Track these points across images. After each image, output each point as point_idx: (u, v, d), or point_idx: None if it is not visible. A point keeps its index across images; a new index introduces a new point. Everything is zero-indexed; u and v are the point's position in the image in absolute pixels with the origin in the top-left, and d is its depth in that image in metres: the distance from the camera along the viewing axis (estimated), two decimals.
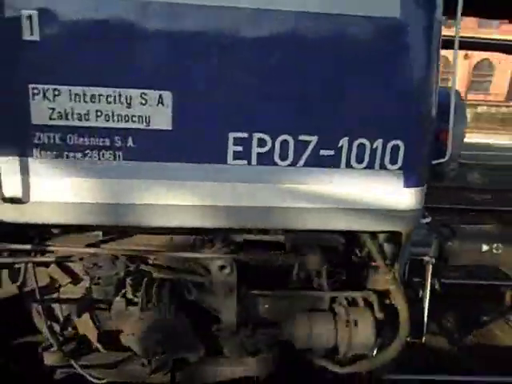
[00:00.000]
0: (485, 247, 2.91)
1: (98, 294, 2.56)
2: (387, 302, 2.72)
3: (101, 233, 2.52)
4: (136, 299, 2.58)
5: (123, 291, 2.57)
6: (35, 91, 2.03)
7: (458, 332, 4.71)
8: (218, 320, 2.69)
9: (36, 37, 1.96)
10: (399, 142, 2.23)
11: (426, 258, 2.83)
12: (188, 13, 2.01)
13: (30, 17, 1.94)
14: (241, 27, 2.05)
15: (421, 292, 2.91)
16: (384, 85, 2.16)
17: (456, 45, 2.31)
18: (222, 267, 2.50)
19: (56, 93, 2.03)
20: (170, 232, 2.50)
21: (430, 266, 2.82)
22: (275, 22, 2.05)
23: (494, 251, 2.93)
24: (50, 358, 2.79)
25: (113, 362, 2.81)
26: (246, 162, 2.19)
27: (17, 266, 2.50)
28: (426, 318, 2.87)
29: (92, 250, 2.46)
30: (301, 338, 2.67)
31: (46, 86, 2.02)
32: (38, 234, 2.43)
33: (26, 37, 1.96)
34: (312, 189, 2.25)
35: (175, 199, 2.19)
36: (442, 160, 2.45)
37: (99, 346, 2.76)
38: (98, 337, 2.72)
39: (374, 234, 2.53)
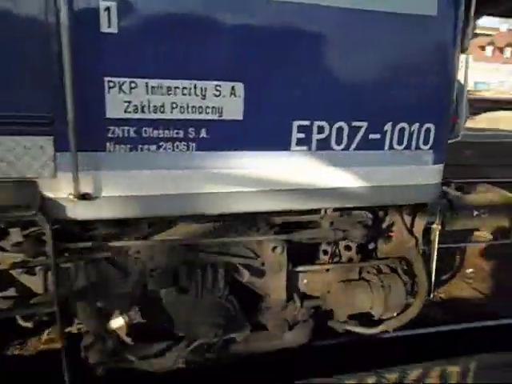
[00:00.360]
0: (475, 213, 3.41)
1: (154, 286, 2.58)
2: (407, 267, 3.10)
3: (147, 225, 2.53)
4: (189, 287, 2.64)
5: (177, 280, 2.62)
6: (111, 84, 2.00)
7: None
8: (264, 298, 2.86)
9: (114, 29, 1.93)
10: (431, 125, 2.56)
11: (434, 226, 3.24)
12: (259, 8, 2.11)
13: (108, 8, 1.90)
14: (303, 24, 2.20)
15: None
16: (422, 77, 2.47)
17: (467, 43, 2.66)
18: (274, 248, 2.67)
19: (132, 85, 2.02)
20: (218, 219, 2.59)
21: (437, 232, 3.25)
22: (331, 20, 2.24)
23: (482, 216, 3.44)
24: (94, 356, 2.74)
25: (158, 352, 2.83)
26: (306, 147, 2.37)
27: (68, 264, 2.43)
28: (433, 278, 3.29)
29: (150, 242, 2.48)
30: (342, 307, 2.95)
31: (122, 79, 2.00)
32: (96, 230, 2.38)
33: (104, 29, 1.92)
34: (362, 170, 2.50)
35: (245, 186, 2.30)
36: (455, 139, 2.85)
37: (128, 339, 2.74)
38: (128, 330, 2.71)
39: (400, 207, 2.88)
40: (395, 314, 3.14)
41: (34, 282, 2.48)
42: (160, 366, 2.85)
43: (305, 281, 2.95)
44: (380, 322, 3.17)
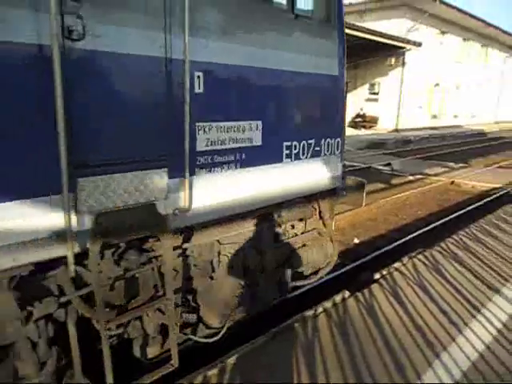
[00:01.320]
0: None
1: (201, 275, 3.42)
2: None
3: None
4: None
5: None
6: (199, 127, 2.86)
7: None
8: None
9: (201, 90, 2.82)
10: (339, 139, 4.26)
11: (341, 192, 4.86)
12: (271, 76, 3.36)
13: (199, 77, 2.79)
14: (285, 84, 3.54)
15: None
16: (335, 111, 4.13)
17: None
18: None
19: (210, 127, 2.93)
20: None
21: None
22: (296, 80, 3.66)
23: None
24: (152, 350, 3.30)
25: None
26: (289, 159, 3.70)
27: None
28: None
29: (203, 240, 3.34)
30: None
31: (205, 124, 2.89)
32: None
33: (196, 90, 2.79)
34: (313, 170, 3.99)
35: (264, 185, 3.47)
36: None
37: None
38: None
39: (321, 194, 4.48)
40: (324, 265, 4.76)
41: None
42: None
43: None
44: (316, 273, 4.72)
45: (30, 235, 2.20)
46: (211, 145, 2.98)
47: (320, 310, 4.00)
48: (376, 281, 4.66)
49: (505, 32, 35.28)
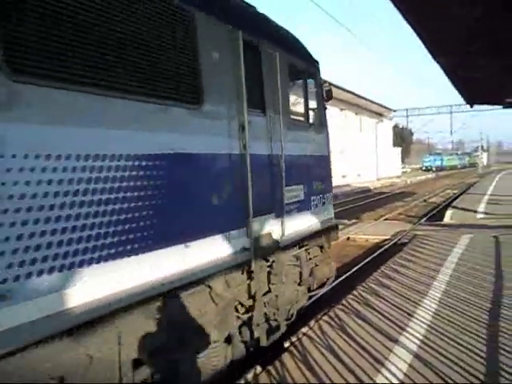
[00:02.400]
0: None
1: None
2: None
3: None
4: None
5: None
6: (286, 189, 5.07)
7: None
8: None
9: (285, 169, 5.02)
10: (330, 194, 6.66)
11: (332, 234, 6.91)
12: (303, 158, 5.80)
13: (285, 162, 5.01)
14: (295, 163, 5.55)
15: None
16: (329, 176, 6.67)
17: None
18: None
19: (290, 189, 5.20)
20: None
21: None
22: (305, 161, 5.98)
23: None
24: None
25: None
26: (313, 208, 6.14)
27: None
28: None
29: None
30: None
31: (288, 188, 5.10)
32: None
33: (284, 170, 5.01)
34: (319, 214, 6.18)
35: (303, 224, 5.68)
36: None
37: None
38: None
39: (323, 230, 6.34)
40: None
41: None
42: None
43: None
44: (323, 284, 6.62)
45: (236, 247, 4.20)
46: (291, 199, 5.26)
47: None
48: (286, 349, 4.65)
49: (373, 102, 40.99)
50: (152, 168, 3.16)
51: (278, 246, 4.85)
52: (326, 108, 6.53)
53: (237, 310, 4.48)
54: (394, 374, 4.02)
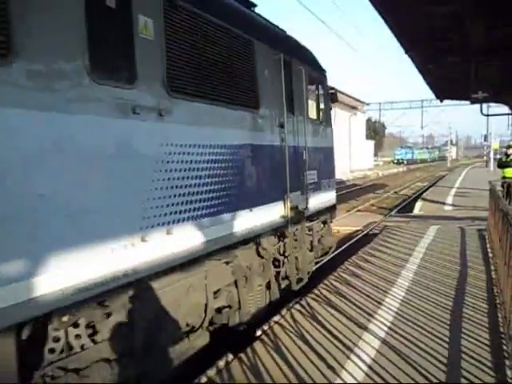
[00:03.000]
0: None
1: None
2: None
3: None
4: None
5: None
6: (308, 173, 6.47)
7: None
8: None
9: (307, 157, 6.41)
10: (333, 179, 7.98)
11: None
12: (318, 149, 7.37)
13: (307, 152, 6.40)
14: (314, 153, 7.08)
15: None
16: (333, 164, 8.11)
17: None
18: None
19: (310, 173, 6.68)
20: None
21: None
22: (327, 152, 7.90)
23: None
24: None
25: None
26: (324, 189, 7.72)
27: None
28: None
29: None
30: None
31: (308, 172, 6.53)
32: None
33: (305, 157, 6.36)
34: (327, 196, 7.68)
35: (318, 202, 7.17)
36: None
37: None
38: None
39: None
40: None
41: None
42: None
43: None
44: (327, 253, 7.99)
45: (278, 215, 5.66)
46: (310, 181, 6.60)
47: (204, 379, 3.84)
48: (258, 337, 4.70)
49: (346, 95, 41.32)
50: (237, 154, 4.68)
51: (303, 217, 6.37)
52: (331, 108, 8.42)
53: (273, 264, 5.93)
54: (362, 360, 4.13)
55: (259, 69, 5.18)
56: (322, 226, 7.74)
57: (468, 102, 21.32)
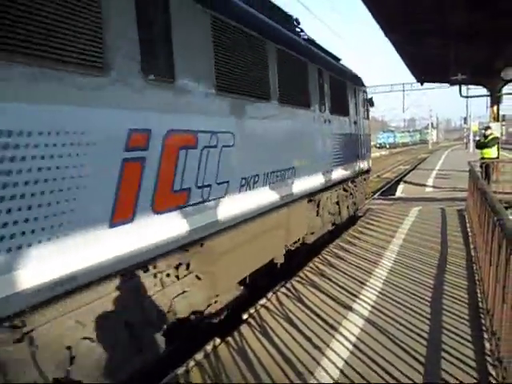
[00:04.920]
0: None
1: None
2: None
3: None
4: None
5: None
6: (360, 149, 11.57)
7: None
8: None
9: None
10: (370, 153, 13.91)
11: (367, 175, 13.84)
12: (359, 135, 11.68)
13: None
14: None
15: None
16: (370, 143, 13.96)
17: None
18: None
19: (361, 149, 11.86)
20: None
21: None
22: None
23: None
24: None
25: None
26: (364, 157, 12.60)
27: None
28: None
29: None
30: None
31: (361, 148, 11.60)
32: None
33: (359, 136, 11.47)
34: (359, 164, 11.60)
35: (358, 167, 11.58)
36: None
37: None
38: None
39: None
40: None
41: None
42: None
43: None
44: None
45: (354, 169, 10.99)
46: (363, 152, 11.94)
47: (192, 363, 3.88)
48: (245, 321, 4.75)
49: None
50: (342, 137, 9.49)
51: (361, 172, 11.82)
52: (368, 109, 13.13)
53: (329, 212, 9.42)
54: (347, 339, 4.23)
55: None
56: (363, 182, 12.54)
57: (448, 85, 21.62)
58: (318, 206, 8.44)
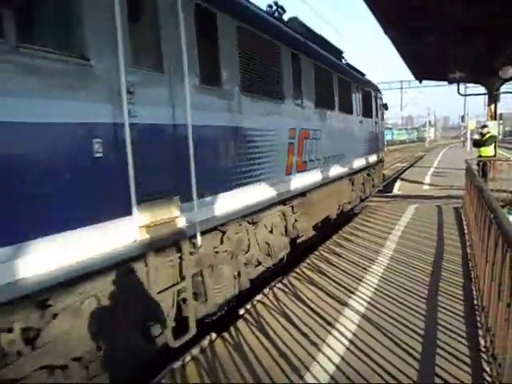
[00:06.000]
0: None
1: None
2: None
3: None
4: None
5: None
6: (378, 142, 15.59)
7: None
8: None
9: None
10: (384, 145, 18.34)
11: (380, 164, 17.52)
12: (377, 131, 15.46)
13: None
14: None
15: None
16: (383, 137, 18.46)
17: None
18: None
19: (378, 142, 15.69)
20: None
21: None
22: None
23: None
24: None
25: None
26: (379, 150, 16.52)
27: None
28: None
29: None
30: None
31: (379, 142, 15.59)
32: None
33: (378, 134, 15.33)
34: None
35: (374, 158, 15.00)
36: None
37: None
38: None
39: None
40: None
41: None
42: None
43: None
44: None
45: (375, 158, 14.88)
46: (378, 145, 15.31)
47: (188, 358, 3.89)
48: (241, 316, 4.76)
49: None
50: (366, 133, 12.93)
51: (379, 161, 15.51)
52: (383, 112, 16.21)
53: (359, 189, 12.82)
54: (343, 334, 4.24)
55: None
56: (378, 168, 15.74)
57: (446, 83, 21.62)
58: (353, 184, 11.85)
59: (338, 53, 10.73)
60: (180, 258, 4.09)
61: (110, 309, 3.39)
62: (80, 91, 2.95)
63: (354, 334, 4.25)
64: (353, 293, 5.30)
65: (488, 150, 12.88)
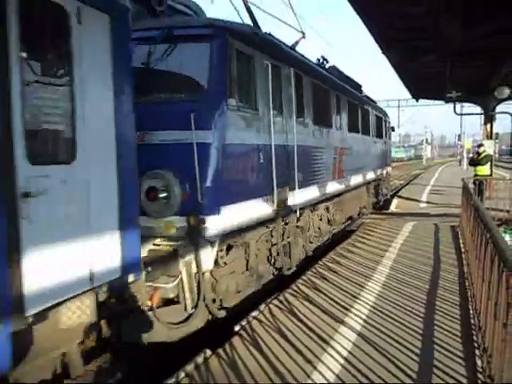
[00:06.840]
0: None
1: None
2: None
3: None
4: None
5: None
6: (387, 158, 17.64)
7: None
8: None
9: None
10: (390, 160, 19.54)
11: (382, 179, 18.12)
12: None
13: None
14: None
15: None
16: (390, 156, 19.63)
17: None
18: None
19: (387, 158, 17.89)
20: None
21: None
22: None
23: None
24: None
25: None
26: (386, 166, 17.89)
27: None
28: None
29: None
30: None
31: (387, 158, 17.68)
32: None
33: (387, 151, 17.86)
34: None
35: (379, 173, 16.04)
36: None
37: None
38: None
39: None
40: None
41: None
42: None
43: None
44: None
45: (383, 172, 16.49)
46: (386, 161, 17.38)
47: (182, 375, 3.83)
48: (236, 333, 4.71)
49: None
50: (377, 151, 14.91)
51: (386, 174, 17.23)
52: (391, 133, 18.47)
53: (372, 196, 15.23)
54: (339, 352, 4.20)
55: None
56: (385, 179, 17.09)
57: (443, 102, 21.90)
58: (368, 191, 14.16)
59: (358, 86, 13.22)
60: (285, 224, 6.76)
61: (258, 248, 6.12)
62: (254, 127, 5.47)
63: (349, 352, 4.20)
64: (349, 310, 5.27)
65: (484, 169, 12.98)
